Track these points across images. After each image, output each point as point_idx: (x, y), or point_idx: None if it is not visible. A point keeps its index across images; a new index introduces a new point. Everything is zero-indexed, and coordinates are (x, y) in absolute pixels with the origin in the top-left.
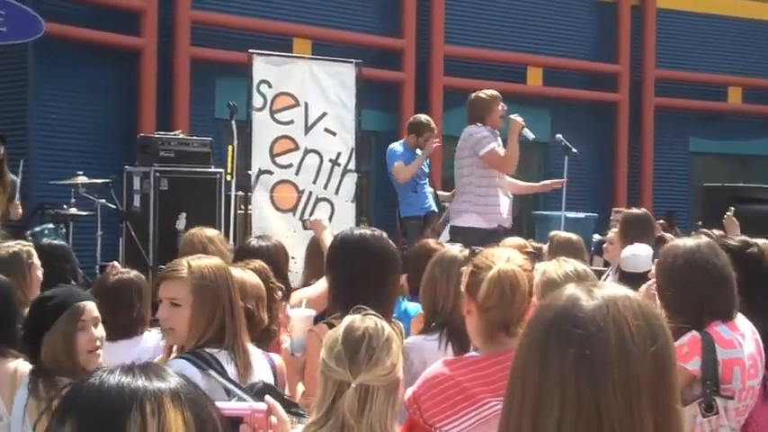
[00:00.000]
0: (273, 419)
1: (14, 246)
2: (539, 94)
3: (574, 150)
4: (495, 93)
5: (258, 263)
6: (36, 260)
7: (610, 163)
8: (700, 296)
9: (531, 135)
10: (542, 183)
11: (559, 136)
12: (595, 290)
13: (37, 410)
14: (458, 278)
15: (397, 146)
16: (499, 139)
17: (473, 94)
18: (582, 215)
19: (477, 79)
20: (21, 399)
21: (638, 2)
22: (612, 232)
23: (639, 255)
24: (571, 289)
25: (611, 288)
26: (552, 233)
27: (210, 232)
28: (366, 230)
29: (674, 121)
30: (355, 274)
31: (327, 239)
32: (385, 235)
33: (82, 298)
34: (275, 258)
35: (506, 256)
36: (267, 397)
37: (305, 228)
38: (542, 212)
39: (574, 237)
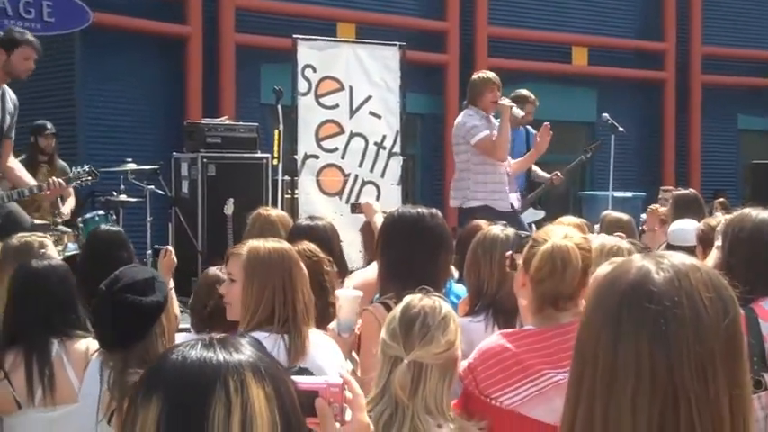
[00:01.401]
0: (348, 394)
1: (28, 236)
2: (584, 73)
3: (620, 129)
4: (488, 76)
5: (305, 244)
6: (51, 251)
7: (657, 142)
8: (756, 270)
9: (519, 112)
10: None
11: (605, 115)
12: (664, 261)
13: (111, 395)
14: (501, 258)
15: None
16: (493, 121)
17: (473, 76)
18: (629, 194)
19: (521, 60)
20: (93, 381)
21: None
22: (651, 212)
23: (688, 229)
24: (639, 260)
25: (678, 258)
26: (604, 213)
27: (275, 214)
28: (423, 209)
29: (722, 98)
30: (412, 252)
31: (380, 223)
32: (440, 214)
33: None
34: (328, 238)
35: (564, 233)
36: (341, 371)
37: (353, 211)
38: (589, 192)
39: (625, 217)
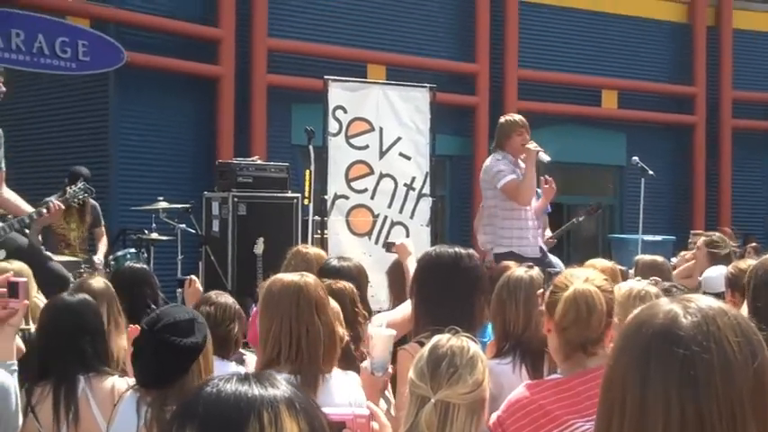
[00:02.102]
0: (375, 425)
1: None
2: (614, 117)
3: (650, 173)
4: (515, 119)
5: (345, 284)
6: (33, 286)
7: (687, 185)
8: None
9: (545, 158)
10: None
11: (635, 158)
12: (692, 305)
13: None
14: (525, 299)
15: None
16: (522, 165)
17: (501, 118)
18: (659, 238)
19: (551, 102)
20: (129, 418)
21: (714, 22)
22: (681, 257)
23: (715, 276)
24: (667, 304)
25: (706, 302)
26: (637, 257)
27: (313, 252)
28: (461, 249)
29: (752, 142)
30: (449, 292)
31: (411, 265)
32: (477, 256)
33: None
34: (356, 279)
35: (585, 276)
36: (368, 403)
37: (388, 250)
38: (619, 236)
39: (659, 259)
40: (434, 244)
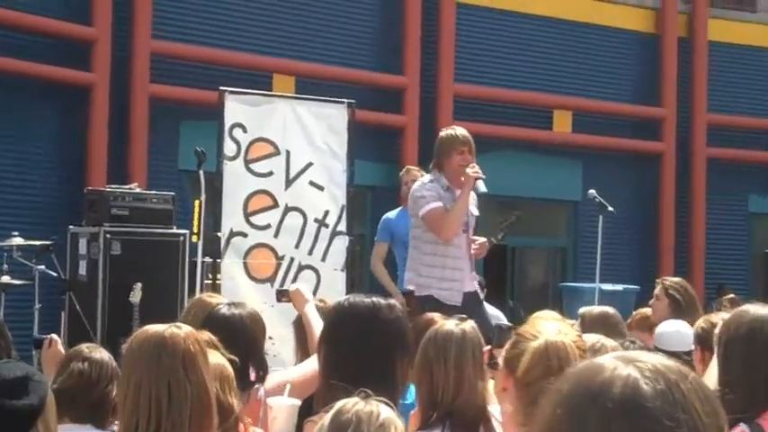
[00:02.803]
0: None
1: None
2: (568, 143)
3: (610, 209)
4: (456, 133)
5: (206, 335)
6: None
7: (653, 225)
8: (762, 376)
9: (481, 188)
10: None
11: (592, 192)
12: (644, 365)
13: None
14: (457, 358)
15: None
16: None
17: (442, 131)
18: (620, 287)
19: (492, 124)
20: None
21: (686, 33)
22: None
23: (683, 331)
24: (618, 365)
25: (659, 361)
26: (582, 310)
27: (217, 302)
28: (380, 299)
29: (731, 175)
30: (364, 350)
31: (312, 314)
32: (399, 307)
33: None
34: (251, 331)
35: (557, 328)
36: None
37: (279, 299)
38: (572, 284)
39: (610, 311)
40: (351, 292)
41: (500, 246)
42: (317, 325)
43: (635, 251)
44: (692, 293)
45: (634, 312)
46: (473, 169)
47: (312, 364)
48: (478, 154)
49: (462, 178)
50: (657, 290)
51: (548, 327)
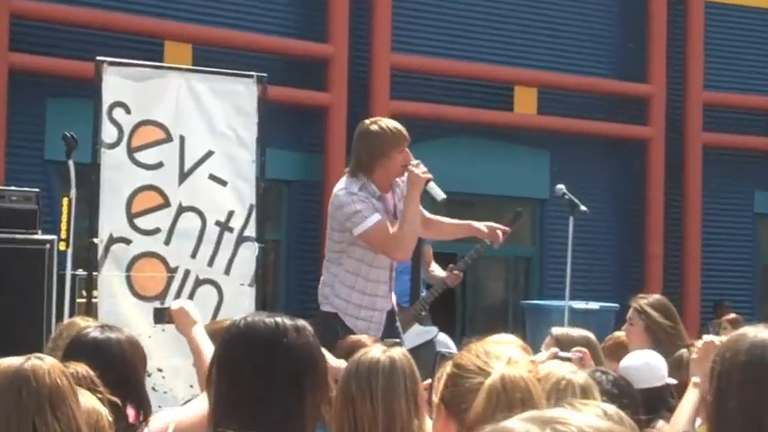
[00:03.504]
0: None
1: None
2: (531, 126)
3: (582, 208)
4: (399, 129)
5: (82, 367)
6: None
7: (637, 228)
8: (761, 410)
9: (440, 194)
10: (472, 224)
11: (561, 187)
12: (564, 429)
13: None
14: (386, 392)
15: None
16: (389, 199)
17: (366, 123)
18: (595, 306)
19: (437, 103)
20: None
21: None
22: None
23: (653, 363)
24: None
25: (583, 422)
26: (558, 331)
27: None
28: (285, 319)
29: (732, 167)
30: (262, 384)
31: (201, 340)
32: (310, 328)
33: None
34: (129, 359)
35: (507, 356)
36: None
37: (157, 321)
38: (536, 302)
39: (583, 333)
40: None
41: (449, 254)
42: (207, 353)
43: (614, 261)
44: (673, 314)
45: (607, 337)
46: (420, 168)
47: (203, 403)
48: (420, 141)
49: (402, 179)
50: (630, 312)
51: (496, 353)
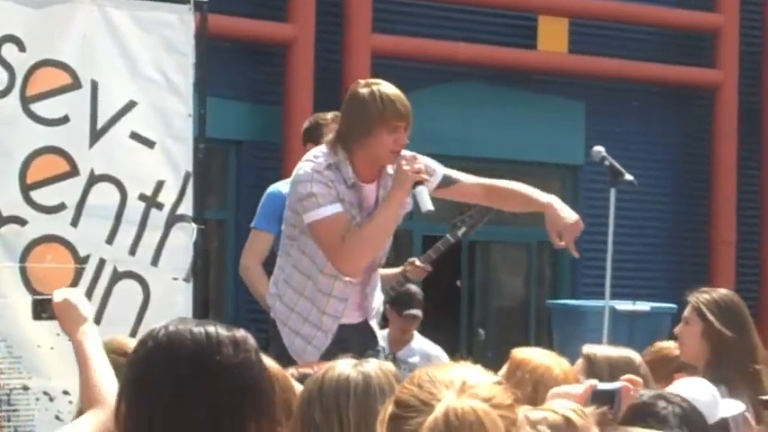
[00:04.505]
0: None
1: None
2: (561, 69)
3: (628, 178)
4: (390, 96)
5: None
6: None
7: (701, 206)
8: None
9: (426, 205)
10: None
11: (599, 150)
12: None
13: None
14: (358, 419)
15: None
16: (369, 190)
17: (359, 84)
18: (645, 307)
19: (439, 39)
20: None
21: None
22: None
23: (700, 398)
24: None
25: None
26: (590, 350)
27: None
28: (220, 329)
29: None
30: (188, 412)
31: (90, 342)
32: (251, 340)
33: None
34: None
35: (460, 381)
36: None
37: (36, 316)
38: (567, 302)
39: (628, 354)
40: (200, 315)
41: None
42: (98, 364)
43: (671, 247)
44: (741, 318)
45: (646, 351)
46: (413, 164)
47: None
48: (415, 89)
49: (389, 170)
50: (687, 310)
51: (446, 379)
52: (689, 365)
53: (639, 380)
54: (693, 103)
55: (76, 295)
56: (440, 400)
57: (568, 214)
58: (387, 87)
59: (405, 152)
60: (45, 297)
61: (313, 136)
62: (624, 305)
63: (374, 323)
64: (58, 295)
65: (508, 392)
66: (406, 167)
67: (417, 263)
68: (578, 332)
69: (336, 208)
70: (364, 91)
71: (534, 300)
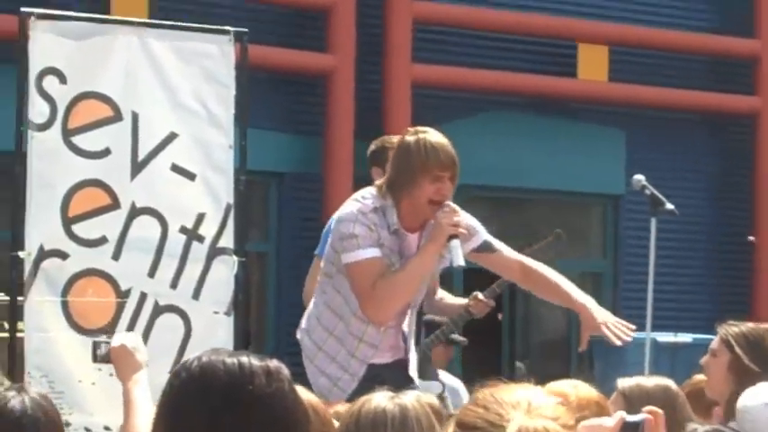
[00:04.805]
0: None
1: None
2: (602, 97)
3: (668, 207)
4: (434, 144)
5: None
6: None
7: (743, 233)
8: None
9: (458, 260)
10: (586, 305)
11: (640, 178)
12: None
13: None
14: None
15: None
16: (411, 238)
17: (408, 132)
18: (687, 338)
19: (474, 67)
20: None
21: None
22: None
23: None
24: None
25: None
26: (624, 384)
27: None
28: (254, 360)
29: None
30: None
31: (139, 391)
32: (285, 370)
33: None
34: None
35: (526, 402)
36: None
37: (96, 359)
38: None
39: (665, 383)
40: (242, 347)
41: (482, 269)
42: (142, 410)
43: (713, 277)
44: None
45: (685, 383)
46: (451, 217)
47: None
48: (451, 118)
49: (430, 221)
50: (715, 342)
51: (512, 401)
52: None
53: (659, 411)
54: (734, 131)
55: (135, 341)
56: (508, 420)
57: (603, 316)
58: (433, 136)
59: (452, 205)
60: (104, 340)
61: (379, 159)
62: (666, 337)
63: (412, 359)
64: (117, 340)
65: (570, 413)
66: (443, 220)
67: (480, 297)
68: (619, 365)
69: (375, 252)
70: (411, 139)
71: (575, 332)
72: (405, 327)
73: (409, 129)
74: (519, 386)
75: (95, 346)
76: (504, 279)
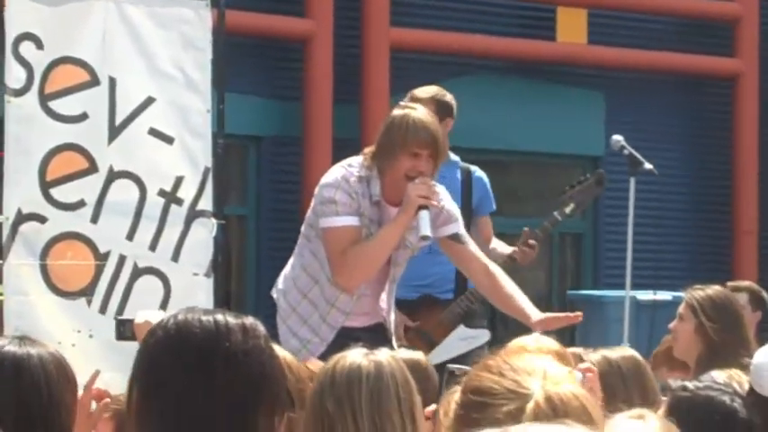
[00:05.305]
0: None
1: None
2: (581, 59)
3: (647, 167)
4: (416, 120)
5: None
6: None
7: (723, 193)
8: None
9: (424, 229)
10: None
11: (618, 139)
12: None
13: None
14: (370, 408)
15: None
16: (391, 210)
17: (398, 106)
18: (667, 296)
19: (455, 31)
20: None
21: None
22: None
23: None
24: None
25: None
26: (588, 358)
27: None
28: (230, 317)
29: None
30: (197, 402)
31: None
32: (261, 327)
33: None
34: (47, 384)
35: (542, 370)
36: None
37: (120, 336)
38: (588, 292)
39: (631, 353)
40: (220, 306)
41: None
42: None
43: (692, 236)
44: (733, 316)
45: (663, 340)
46: (421, 189)
47: None
48: (437, 82)
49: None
50: (682, 306)
51: (528, 368)
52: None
53: (594, 369)
54: (713, 93)
55: (155, 313)
56: (527, 387)
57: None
58: (418, 113)
59: (430, 182)
60: (127, 318)
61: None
62: (645, 295)
63: (391, 321)
64: (141, 316)
65: (583, 383)
66: (412, 192)
67: (531, 242)
68: (599, 323)
69: (352, 220)
70: (397, 113)
71: (556, 290)
72: (383, 301)
73: (400, 103)
74: (528, 354)
75: (119, 323)
76: (547, 223)
